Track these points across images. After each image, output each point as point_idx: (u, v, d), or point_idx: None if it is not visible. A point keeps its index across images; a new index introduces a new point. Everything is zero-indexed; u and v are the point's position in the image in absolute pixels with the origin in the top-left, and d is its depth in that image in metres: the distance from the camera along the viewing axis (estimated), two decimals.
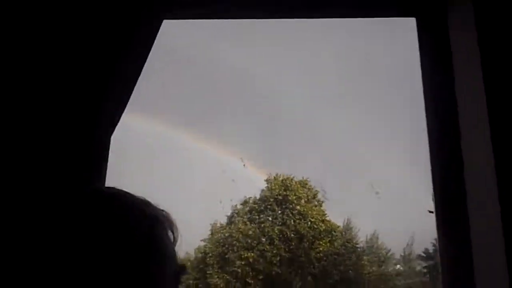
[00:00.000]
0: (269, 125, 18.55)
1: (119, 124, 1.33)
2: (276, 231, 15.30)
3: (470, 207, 1.27)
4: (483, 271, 1.20)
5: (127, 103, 1.35)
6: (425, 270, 15.73)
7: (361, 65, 19.05)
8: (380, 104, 19.54)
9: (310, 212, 15.52)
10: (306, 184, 16.07)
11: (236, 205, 15.96)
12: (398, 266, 16.31)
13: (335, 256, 15.29)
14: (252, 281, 14.77)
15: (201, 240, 15.59)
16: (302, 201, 15.68)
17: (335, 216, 15.66)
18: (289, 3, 1.47)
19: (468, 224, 1.26)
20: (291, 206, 15.62)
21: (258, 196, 15.97)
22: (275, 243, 15.18)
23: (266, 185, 16.08)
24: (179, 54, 16.87)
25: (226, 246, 15.20)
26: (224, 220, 15.84)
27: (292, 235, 15.29)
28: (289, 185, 15.87)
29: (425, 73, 1.40)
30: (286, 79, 19.57)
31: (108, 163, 1.31)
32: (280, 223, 15.52)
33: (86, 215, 0.71)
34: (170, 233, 0.78)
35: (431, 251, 15.40)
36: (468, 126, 1.29)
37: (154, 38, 1.37)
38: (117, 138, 1.34)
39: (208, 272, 14.97)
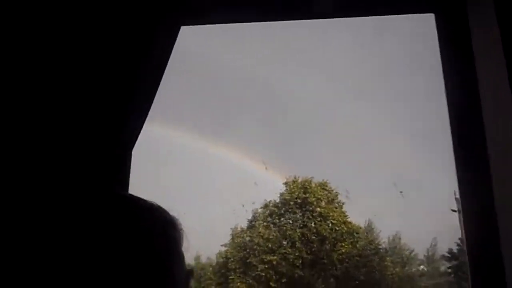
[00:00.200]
0: (288, 127, 18.61)
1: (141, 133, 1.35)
2: (298, 234, 15.23)
3: (497, 205, 1.24)
4: None
5: (148, 112, 1.36)
6: (449, 270, 15.45)
7: (381, 62, 18.94)
8: (402, 104, 19.43)
9: (331, 213, 15.40)
10: (326, 186, 15.96)
11: (257, 209, 15.96)
12: (421, 266, 16.09)
13: (358, 258, 15.13)
14: (275, 285, 14.72)
15: (221, 245, 15.65)
16: (323, 203, 15.57)
17: (356, 216, 15.54)
18: (308, 4, 1.46)
19: (496, 222, 1.24)
20: (311, 208, 15.52)
21: (277, 200, 15.94)
22: (296, 246, 15.10)
23: (285, 188, 16.05)
24: (197, 60, 16.99)
25: (247, 250, 15.18)
26: (244, 224, 15.86)
27: (314, 237, 15.19)
28: (308, 187, 15.78)
29: (447, 69, 1.38)
30: (304, 81, 19.55)
31: (132, 171, 1.32)
32: (301, 226, 15.44)
33: (106, 218, 0.74)
34: (179, 236, 0.81)
35: (455, 251, 15.12)
36: (493, 124, 1.27)
37: (173, 45, 1.38)
38: (139, 146, 1.35)
39: (230, 277, 14.98)
